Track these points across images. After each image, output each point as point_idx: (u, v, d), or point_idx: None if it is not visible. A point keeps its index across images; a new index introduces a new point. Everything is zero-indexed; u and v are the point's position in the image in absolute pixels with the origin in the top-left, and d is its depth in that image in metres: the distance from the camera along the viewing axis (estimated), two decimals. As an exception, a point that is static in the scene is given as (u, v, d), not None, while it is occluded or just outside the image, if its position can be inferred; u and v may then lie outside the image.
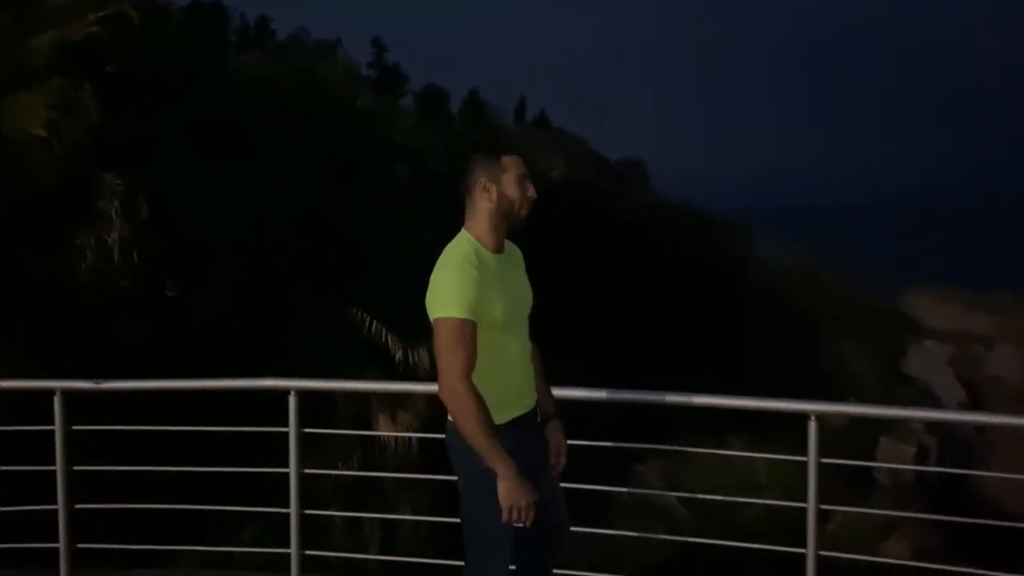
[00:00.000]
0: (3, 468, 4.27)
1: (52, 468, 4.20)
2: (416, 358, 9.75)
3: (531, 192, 2.70)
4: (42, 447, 4.22)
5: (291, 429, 4.08)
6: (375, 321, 9.69)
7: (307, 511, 4.14)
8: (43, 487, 4.21)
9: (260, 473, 5.69)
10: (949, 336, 25.93)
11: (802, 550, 3.54)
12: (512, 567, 2.67)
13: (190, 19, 15.57)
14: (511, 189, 2.67)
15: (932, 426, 19.79)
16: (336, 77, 20.92)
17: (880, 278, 29.44)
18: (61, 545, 4.23)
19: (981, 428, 22.79)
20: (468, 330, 2.55)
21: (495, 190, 2.66)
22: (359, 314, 9.69)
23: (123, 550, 4.40)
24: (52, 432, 4.19)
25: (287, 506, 4.29)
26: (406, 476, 4.55)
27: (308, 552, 4.16)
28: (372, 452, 9.75)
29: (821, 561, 3.52)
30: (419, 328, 10.98)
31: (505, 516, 2.53)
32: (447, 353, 2.55)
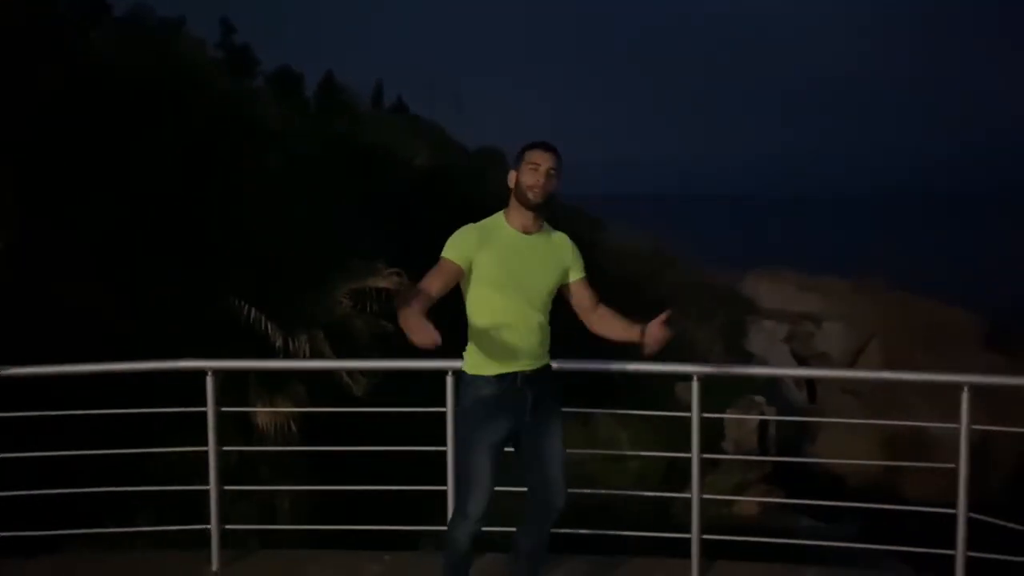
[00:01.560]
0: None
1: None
2: (296, 345, 9.79)
3: (532, 180, 3.11)
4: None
5: (209, 408, 4.20)
6: (253, 309, 9.62)
7: (227, 487, 4.28)
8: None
9: (149, 455, 5.68)
10: (784, 316, 28.02)
11: (687, 495, 4.06)
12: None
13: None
14: (525, 175, 3.14)
15: (771, 398, 21.53)
16: (191, 56, 20.15)
17: (723, 263, 31.40)
18: (-35, 535, 4.18)
19: (812, 398, 24.99)
20: (444, 264, 3.07)
21: (514, 177, 3.17)
22: (236, 302, 9.59)
23: (28, 537, 4.36)
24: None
25: (194, 483, 4.44)
26: (330, 449, 4.72)
27: (228, 527, 4.30)
28: (251, 436, 9.71)
29: (703, 504, 4.05)
30: (298, 314, 10.98)
31: (416, 340, 2.72)
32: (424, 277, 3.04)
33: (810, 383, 25.69)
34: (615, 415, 13.35)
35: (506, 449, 3.25)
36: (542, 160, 3.14)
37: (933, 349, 24.13)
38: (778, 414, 21.37)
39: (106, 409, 4.52)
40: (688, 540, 4.04)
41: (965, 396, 3.80)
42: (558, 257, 3.26)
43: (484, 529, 3.22)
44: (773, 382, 24.00)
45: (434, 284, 2.99)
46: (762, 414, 19.43)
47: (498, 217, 3.21)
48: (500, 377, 3.13)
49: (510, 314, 3.12)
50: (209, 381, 4.17)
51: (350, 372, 10.18)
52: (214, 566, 4.21)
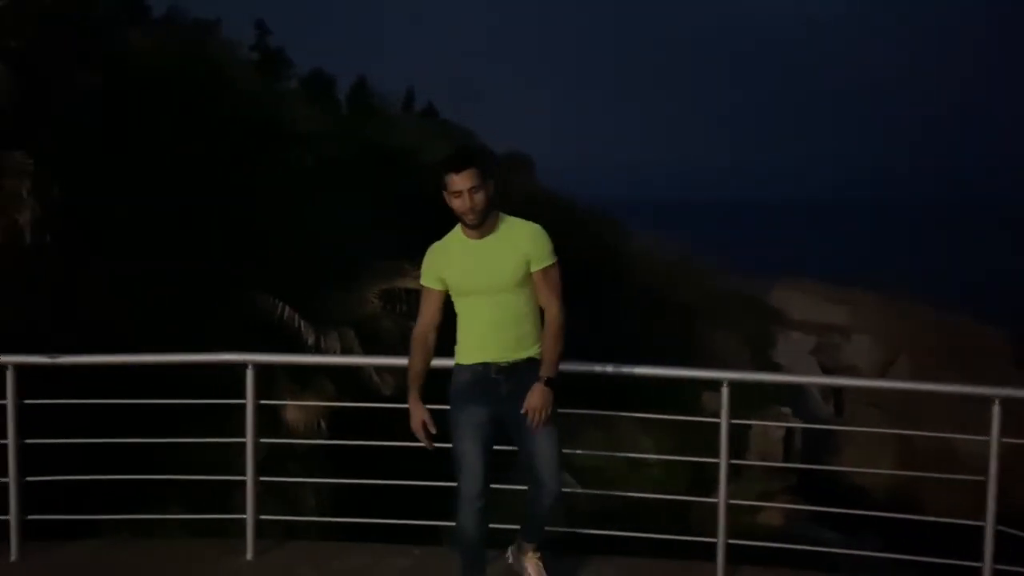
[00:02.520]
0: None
1: (3, 442, 4.27)
2: (327, 343, 9.93)
3: (462, 204, 3.26)
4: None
5: (248, 400, 4.31)
6: (287, 306, 9.78)
7: (263, 478, 4.40)
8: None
9: (177, 449, 5.80)
10: (812, 327, 27.85)
11: (714, 500, 4.11)
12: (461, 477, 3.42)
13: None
14: (452, 203, 3.31)
15: (798, 411, 21.43)
16: (226, 58, 20.49)
17: (751, 272, 31.23)
18: (12, 517, 4.31)
19: (839, 411, 24.82)
20: (425, 292, 3.49)
21: (447, 198, 3.32)
22: (271, 300, 9.76)
23: (72, 521, 4.50)
24: (3, 406, 4.26)
25: (229, 474, 4.57)
26: (363, 444, 4.81)
27: (263, 517, 4.41)
28: (279, 430, 9.81)
29: (730, 509, 4.10)
30: (329, 313, 11.12)
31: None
32: None
33: (837, 396, 25.51)
34: (639, 423, 13.33)
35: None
36: (460, 183, 3.24)
37: (962, 365, 23.85)
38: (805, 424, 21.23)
39: (141, 399, 4.66)
40: (714, 544, 4.09)
41: (996, 409, 3.82)
42: (515, 250, 3.36)
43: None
44: (800, 394, 23.85)
45: (427, 314, 3.46)
46: (788, 427, 19.32)
47: (456, 230, 3.43)
48: (474, 366, 3.42)
49: (479, 313, 3.40)
50: (249, 374, 4.28)
51: (379, 371, 10.30)
52: (249, 555, 4.32)
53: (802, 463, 19.60)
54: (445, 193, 3.30)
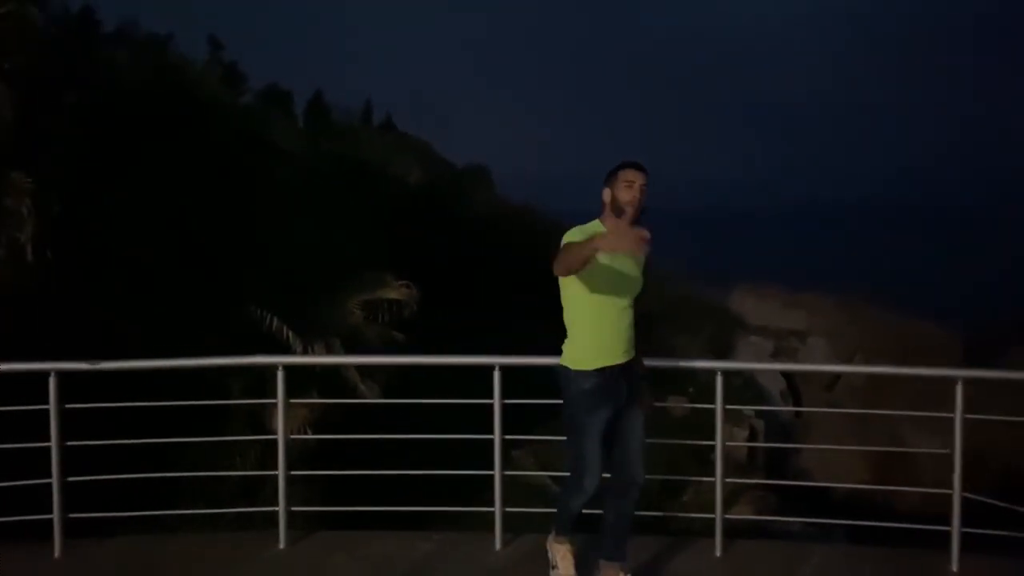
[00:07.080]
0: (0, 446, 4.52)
1: (47, 444, 4.52)
2: (314, 353, 10.18)
3: (629, 196, 3.53)
4: (35, 425, 4.52)
5: (279, 400, 4.63)
6: (275, 319, 10.02)
7: (293, 472, 4.71)
8: (38, 462, 4.51)
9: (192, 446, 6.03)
10: (770, 332, 28.62)
11: (711, 478, 4.54)
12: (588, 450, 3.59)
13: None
14: (621, 192, 3.56)
15: (760, 411, 22.07)
16: (197, 74, 20.62)
17: (711, 279, 31.98)
18: (55, 516, 4.56)
19: (798, 413, 25.57)
20: (567, 246, 3.44)
21: (609, 193, 3.58)
22: (258, 311, 10.00)
23: (112, 518, 4.76)
24: (47, 411, 4.51)
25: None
26: (420, 437, 5.09)
27: (294, 508, 4.72)
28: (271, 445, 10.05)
29: (727, 487, 4.53)
30: (316, 323, 11.35)
31: (627, 244, 3.29)
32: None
33: (795, 396, 26.27)
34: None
35: None
36: (636, 178, 3.56)
37: (914, 366, 24.66)
38: (767, 425, 21.92)
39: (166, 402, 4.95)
40: (712, 520, 4.50)
41: (959, 388, 4.31)
42: (639, 261, 3.68)
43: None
44: (760, 395, 24.52)
45: (565, 256, 3.41)
46: (751, 427, 19.98)
47: (597, 225, 3.61)
48: (600, 371, 3.57)
49: (611, 315, 3.58)
50: (280, 375, 4.59)
51: (364, 378, 10.57)
52: (281, 544, 4.62)
53: (765, 460, 20.25)
54: (608, 190, 3.54)
